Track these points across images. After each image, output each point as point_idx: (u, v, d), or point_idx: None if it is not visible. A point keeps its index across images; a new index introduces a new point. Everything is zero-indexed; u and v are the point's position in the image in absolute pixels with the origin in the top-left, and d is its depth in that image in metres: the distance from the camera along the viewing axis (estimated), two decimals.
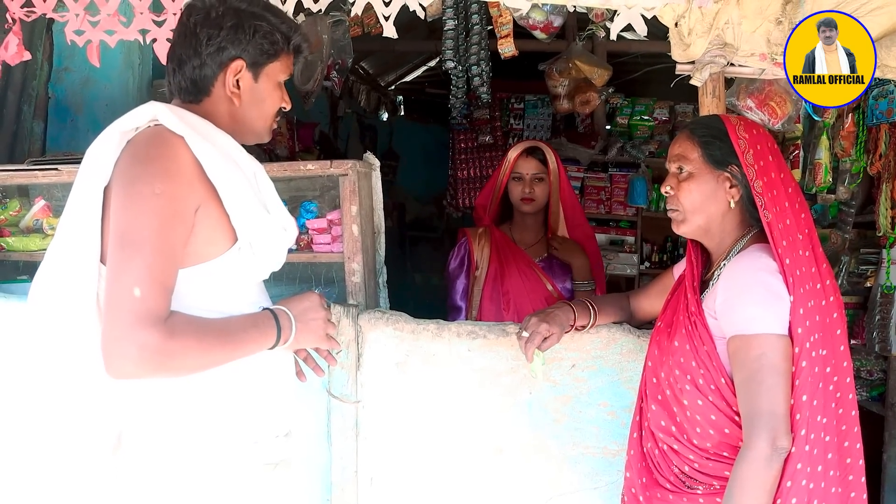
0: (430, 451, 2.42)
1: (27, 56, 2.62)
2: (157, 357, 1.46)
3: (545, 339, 2.08)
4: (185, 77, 1.74)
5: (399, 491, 2.44)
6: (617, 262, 6.08)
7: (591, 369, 2.33)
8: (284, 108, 1.85)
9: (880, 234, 3.70)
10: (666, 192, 1.94)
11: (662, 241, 6.45)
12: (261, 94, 1.77)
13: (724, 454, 1.75)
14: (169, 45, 2.22)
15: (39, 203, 2.92)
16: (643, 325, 2.37)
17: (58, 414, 1.62)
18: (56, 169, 2.72)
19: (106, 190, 1.59)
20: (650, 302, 2.28)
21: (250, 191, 1.69)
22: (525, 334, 2.09)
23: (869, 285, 3.97)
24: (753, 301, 1.71)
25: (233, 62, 1.72)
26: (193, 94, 1.75)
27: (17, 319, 2.56)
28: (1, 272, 2.99)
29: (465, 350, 2.37)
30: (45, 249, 2.78)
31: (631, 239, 6.22)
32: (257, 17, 1.74)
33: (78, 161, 2.70)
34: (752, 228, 1.85)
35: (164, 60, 2.47)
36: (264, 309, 1.73)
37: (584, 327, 2.23)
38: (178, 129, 1.61)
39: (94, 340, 1.55)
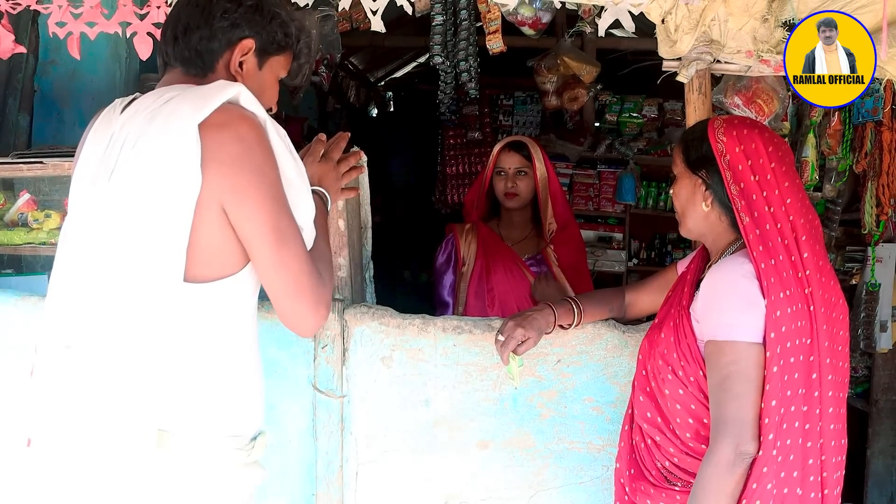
0: (415, 446, 2.42)
1: (21, 49, 2.60)
2: (329, 304, 1.70)
3: (521, 343, 2.08)
4: (189, 47, 1.68)
5: (384, 485, 2.44)
6: (605, 258, 6.11)
7: (577, 365, 2.34)
8: (272, 110, 1.81)
9: (865, 232, 3.72)
10: (672, 195, 1.99)
11: (650, 238, 6.48)
12: (261, 83, 1.74)
13: (702, 447, 1.76)
14: (149, 38, 2.18)
15: (24, 196, 2.90)
16: (636, 321, 2.38)
17: (95, 413, 1.58)
18: (41, 162, 2.70)
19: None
20: (650, 297, 2.28)
21: (303, 174, 1.69)
22: (501, 338, 2.09)
23: (855, 283, 4.00)
24: (728, 307, 1.72)
25: (243, 41, 1.69)
26: (198, 68, 1.69)
27: (4, 314, 2.55)
28: None
29: (451, 345, 2.37)
30: (30, 243, 2.80)
31: (619, 236, 6.25)
32: (278, 7, 1.73)
33: (63, 154, 2.73)
34: None
35: (143, 55, 2.45)
36: (315, 193, 1.83)
37: (569, 326, 2.23)
38: (259, 113, 1.60)
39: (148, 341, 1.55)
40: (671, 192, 1.97)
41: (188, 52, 1.69)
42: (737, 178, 1.78)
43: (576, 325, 2.24)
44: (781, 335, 1.67)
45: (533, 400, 2.37)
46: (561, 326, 2.21)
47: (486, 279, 3.02)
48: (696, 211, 1.88)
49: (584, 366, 2.34)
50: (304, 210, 1.67)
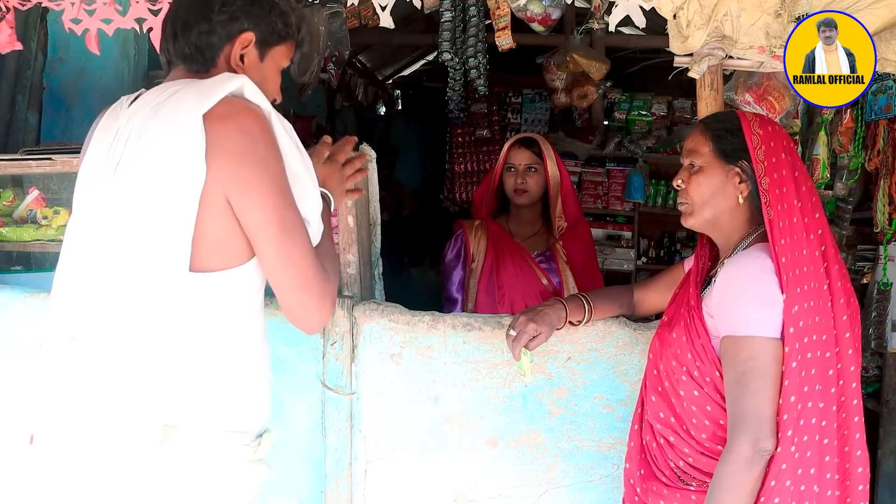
0: (425, 443, 2.41)
1: (18, 46, 2.60)
2: (335, 300, 1.70)
3: (533, 338, 2.07)
4: (189, 43, 1.67)
5: (393, 483, 2.44)
6: (614, 257, 6.09)
7: (587, 362, 2.32)
8: (276, 101, 1.79)
9: (877, 231, 3.70)
10: (677, 186, 1.92)
11: (659, 237, 6.45)
12: (263, 75, 1.73)
13: (719, 448, 1.74)
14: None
15: (33, 193, 2.90)
16: (645, 318, 2.36)
17: (100, 410, 1.58)
18: (50, 159, 2.70)
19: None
20: (658, 295, 2.26)
21: (310, 167, 1.68)
22: (512, 333, 2.08)
23: (866, 282, 3.97)
24: (746, 302, 1.70)
25: (243, 34, 1.67)
26: (199, 64, 1.68)
27: (13, 310, 2.55)
28: None
29: (461, 342, 2.36)
30: (39, 240, 2.80)
31: (628, 234, 6.22)
32: None
33: (72, 151, 2.72)
34: (761, 226, 1.81)
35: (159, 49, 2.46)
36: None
37: (579, 322, 2.22)
38: (263, 104, 1.60)
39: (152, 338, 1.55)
40: (677, 182, 1.91)
41: (188, 48, 1.68)
42: (770, 170, 1.76)
43: (586, 322, 2.22)
44: (800, 330, 1.66)
45: (543, 397, 2.35)
46: (571, 323, 2.20)
47: (496, 275, 3.01)
48: (723, 203, 1.84)
49: (594, 363, 2.32)
50: (310, 204, 1.67)
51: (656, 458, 1.86)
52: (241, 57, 1.70)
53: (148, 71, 3.71)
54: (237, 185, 1.53)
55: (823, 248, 1.75)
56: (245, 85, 1.60)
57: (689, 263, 2.10)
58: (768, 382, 1.65)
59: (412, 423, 2.42)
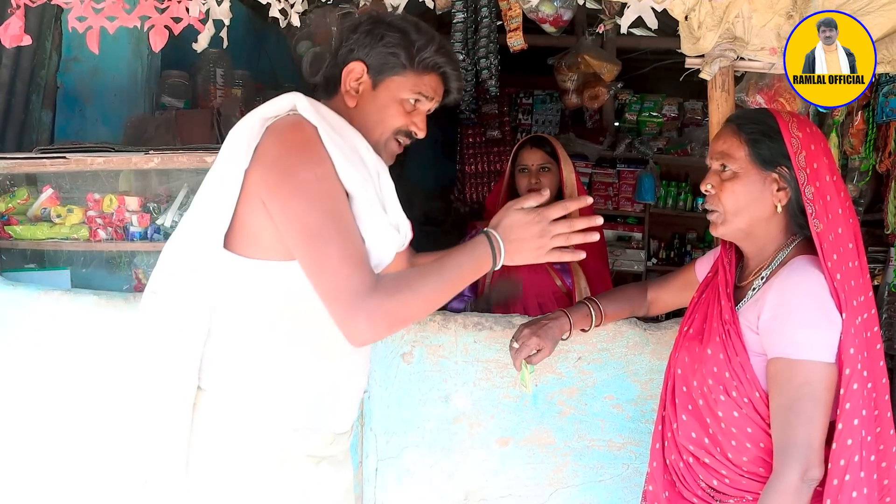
0: (435, 442, 2.42)
1: (27, 41, 2.60)
2: (383, 319, 1.58)
3: (536, 351, 2.02)
4: (323, 75, 1.85)
5: (403, 482, 2.45)
6: (624, 258, 6.09)
7: (597, 362, 2.33)
8: (415, 134, 1.84)
9: (888, 233, 3.68)
10: (706, 191, 1.78)
11: (670, 238, 6.45)
12: (377, 103, 1.80)
13: (760, 470, 1.67)
14: (166, 31, 2.27)
15: (47, 192, 2.92)
16: (654, 317, 2.35)
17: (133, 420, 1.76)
18: (64, 157, 2.73)
19: (246, 173, 1.65)
20: (673, 296, 2.18)
21: (371, 187, 1.70)
22: (516, 345, 2.03)
23: (876, 284, 3.95)
24: (804, 324, 1.61)
25: (349, 63, 1.78)
26: (325, 92, 1.84)
27: (27, 308, 2.57)
28: (8, 260, 3.00)
29: (472, 341, 2.37)
30: (52, 238, 2.83)
31: (638, 235, 6.22)
32: (392, 29, 1.78)
33: (87, 150, 2.75)
34: (797, 237, 1.73)
35: (155, 47, 2.48)
36: (480, 232, 1.69)
37: (589, 328, 2.14)
38: (312, 119, 1.66)
39: (194, 327, 1.69)
40: (706, 188, 1.78)
41: (322, 79, 1.87)
42: (812, 177, 1.66)
43: (596, 326, 2.14)
44: (857, 348, 1.58)
45: (553, 397, 2.36)
46: (582, 330, 2.14)
47: (509, 275, 3.01)
48: (759, 212, 1.72)
49: (604, 363, 2.33)
50: (369, 225, 1.68)
51: (684, 478, 1.77)
52: (359, 85, 1.80)
53: (161, 70, 3.73)
54: (266, 191, 1.63)
55: (859, 256, 1.65)
56: (297, 102, 1.70)
57: (701, 267, 2.04)
58: (821, 409, 1.57)
59: (423, 422, 2.43)
